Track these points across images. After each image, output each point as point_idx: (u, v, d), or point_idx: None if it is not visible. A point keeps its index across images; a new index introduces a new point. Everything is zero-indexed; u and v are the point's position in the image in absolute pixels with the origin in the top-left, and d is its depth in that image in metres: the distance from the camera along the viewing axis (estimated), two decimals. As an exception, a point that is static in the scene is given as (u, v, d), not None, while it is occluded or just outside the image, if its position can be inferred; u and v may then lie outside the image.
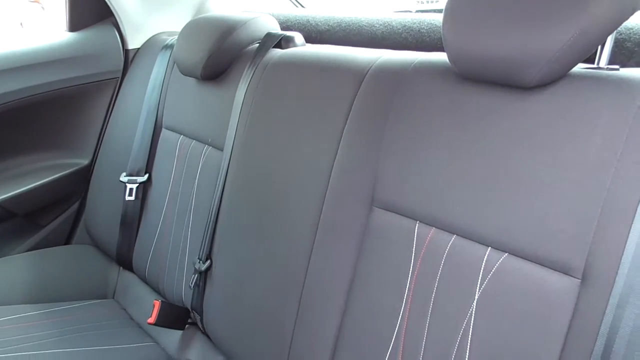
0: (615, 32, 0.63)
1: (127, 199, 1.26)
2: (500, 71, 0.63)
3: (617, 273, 0.53)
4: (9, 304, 1.19)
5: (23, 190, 1.32)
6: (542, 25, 0.59)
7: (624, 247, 0.53)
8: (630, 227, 0.53)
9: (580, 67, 0.64)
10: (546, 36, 0.58)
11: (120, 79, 1.42)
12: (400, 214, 0.74)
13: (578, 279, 0.57)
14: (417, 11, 1.31)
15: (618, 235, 0.54)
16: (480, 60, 0.65)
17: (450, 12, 0.69)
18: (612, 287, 0.53)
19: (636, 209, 0.53)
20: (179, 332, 1.12)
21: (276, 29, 1.14)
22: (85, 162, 1.43)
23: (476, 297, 0.65)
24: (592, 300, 0.55)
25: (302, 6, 1.56)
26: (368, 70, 0.82)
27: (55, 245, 1.39)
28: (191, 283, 1.04)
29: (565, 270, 0.58)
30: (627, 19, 0.59)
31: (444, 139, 0.70)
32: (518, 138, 0.63)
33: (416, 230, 0.72)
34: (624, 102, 0.57)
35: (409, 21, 1.03)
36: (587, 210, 0.57)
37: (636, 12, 0.60)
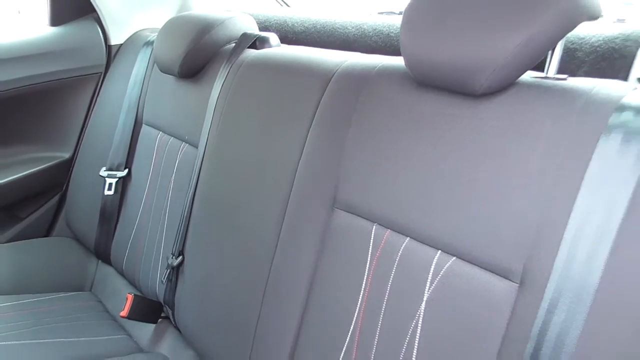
0: (564, 41, 0.65)
1: (106, 193, 1.27)
2: (451, 78, 0.65)
3: (549, 278, 0.55)
4: (-14, 295, 1.21)
5: (3, 182, 1.33)
6: (489, 34, 0.61)
7: (557, 253, 0.55)
8: (563, 234, 0.54)
9: (529, 76, 0.66)
10: (492, 45, 0.60)
11: (102, 74, 1.43)
12: (360, 216, 0.76)
13: (517, 283, 0.59)
14: (400, 12, 1.31)
15: (552, 241, 0.56)
16: (433, 67, 0.67)
17: (407, 19, 0.70)
18: (544, 291, 0.55)
19: (569, 217, 0.55)
20: (152, 326, 1.14)
21: (253, 28, 1.15)
22: (66, 155, 1.44)
23: (425, 299, 0.67)
24: (527, 304, 0.57)
25: (287, 5, 1.57)
26: (334, 74, 0.84)
27: (35, 237, 1.41)
28: (163, 278, 1.06)
29: (506, 275, 0.60)
30: (572, 29, 0.61)
31: (402, 143, 0.72)
32: (468, 144, 0.65)
33: (373, 232, 0.74)
34: (566, 111, 0.59)
35: (379, 25, 1.04)
36: (527, 216, 0.58)
37: (583, 22, 0.61)
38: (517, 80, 0.65)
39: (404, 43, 0.70)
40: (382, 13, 1.29)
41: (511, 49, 0.59)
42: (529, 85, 0.63)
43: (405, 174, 0.71)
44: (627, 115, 0.54)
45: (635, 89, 0.57)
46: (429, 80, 0.69)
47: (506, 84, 0.63)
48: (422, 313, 0.67)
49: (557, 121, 0.59)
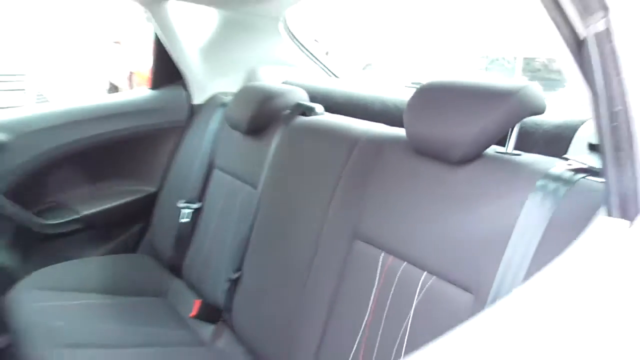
0: (519, 125, 0.92)
1: (182, 221, 1.61)
2: (436, 150, 0.94)
3: (490, 291, 0.81)
4: (84, 292, 1.53)
5: (105, 208, 1.70)
6: (460, 120, 0.89)
7: (496, 274, 0.81)
8: (500, 261, 0.81)
9: (494, 150, 0.93)
10: (461, 128, 0.89)
11: (185, 126, 1.80)
12: (372, 245, 1.04)
13: (473, 295, 0.85)
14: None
15: (494, 266, 0.82)
16: (424, 141, 0.96)
17: (410, 106, 1.00)
18: (487, 300, 0.81)
19: (505, 249, 0.81)
20: (212, 326, 1.44)
21: (305, 99, 1.48)
22: (153, 189, 1.80)
23: (412, 310, 0.93)
24: (477, 310, 0.83)
25: (336, 76, 1.91)
26: (359, 140, 1.14)
27: (124, 253, 1.76)
28: (224, 288, 1.36)
29: (467, 289, 0.86)
30: (519, 120, 0.89)
31: (404, 194, 1.01)
32: (446, 197, 0.93)
33: (381, 259, 1.01)
34: (512, 178, 0.86)
35: (398, 100, 1.35)
36: (482, 245, 0.85)
37: (528, 116, 0.89)
38: (484, 153, 0.92)
39: (407, 123, 1.00)
40: (415, 83, 1.60)
41: (473, 132, 0.88)
42: (492, 158, 0.91)
43: (405, 216, 0.99)
44: (547, 181, 0.81)
45: (555, 165, 0.84)
46: (422, 150, 0.98)
47: (474, 156, 0.91)
48: (410, 319, 0.93)
49: (505, 184, 0.86)
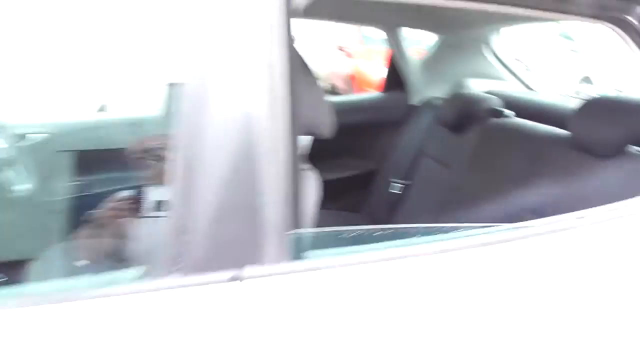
0: None
1: (392, 192, 2.19)
2: (591, 147, 1.32)
3: None
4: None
5: (341, 176, 2.38)
6: (607, 126, 1.27)
7: None
8: None
9: (635, 149, 1.28)
10: (608, 130, 1.26)
11: (403, 121, 2.38)
12: (537, 217, 1.46)
13: None
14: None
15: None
16: (583, 139, 1.35)
17: (577, 112, 1.38)
18: None
19: None
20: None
21: (499, 105, 1.91)
22: (373, 167, 2.43)
23: None
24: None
25: (531, 89, 2.28)
26: (536, 139, 1.56)
27: (351, 211, 2.42)
28: None
29: None
30: None
31: (563, 178, 1.40)
32: (593, 180, 1.31)
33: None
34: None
35: (567, 107, 1.70)
36: None
37: None
38: (625, 151, 1.28)
39: (572, 125, 1.39)
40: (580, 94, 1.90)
41: (616, 135, 1.25)
42: (631, 155, 1.27)
43: (561, 194, 1.39)
44: None
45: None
46: (580, 147, 1.37)
47: (615, 152, 1.27)
48: None
49: (633, 174, 1.22)
